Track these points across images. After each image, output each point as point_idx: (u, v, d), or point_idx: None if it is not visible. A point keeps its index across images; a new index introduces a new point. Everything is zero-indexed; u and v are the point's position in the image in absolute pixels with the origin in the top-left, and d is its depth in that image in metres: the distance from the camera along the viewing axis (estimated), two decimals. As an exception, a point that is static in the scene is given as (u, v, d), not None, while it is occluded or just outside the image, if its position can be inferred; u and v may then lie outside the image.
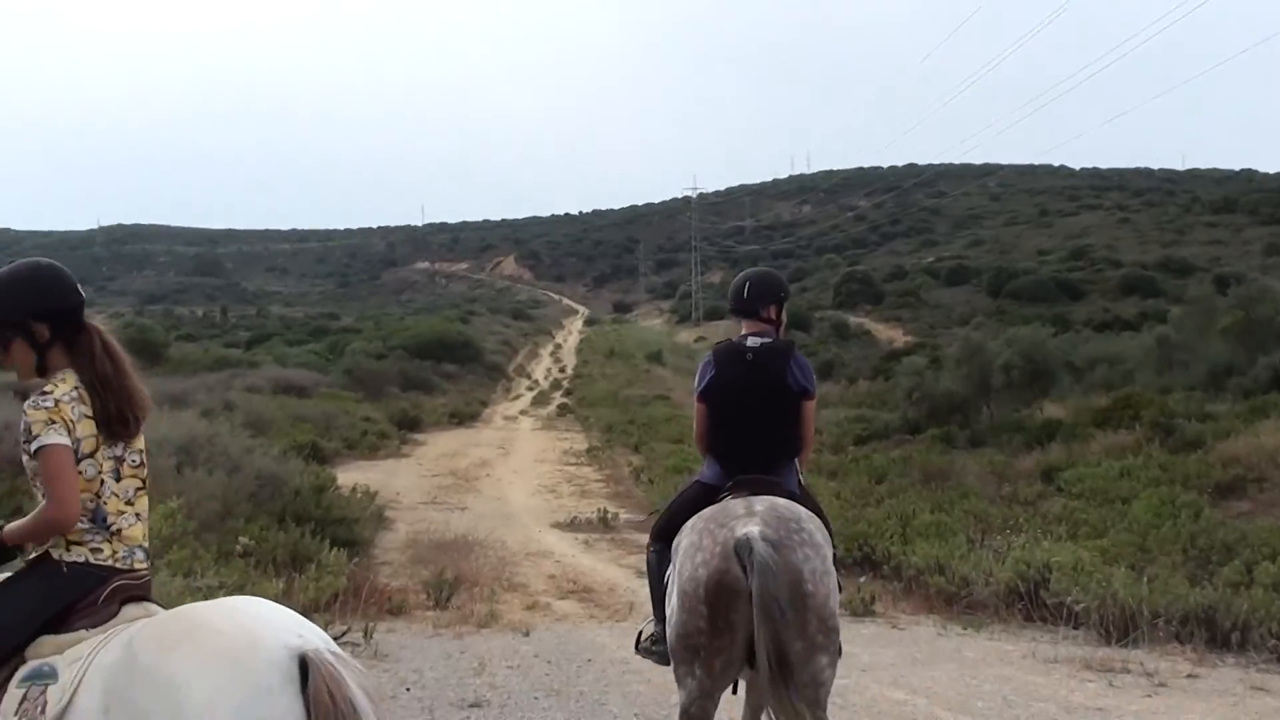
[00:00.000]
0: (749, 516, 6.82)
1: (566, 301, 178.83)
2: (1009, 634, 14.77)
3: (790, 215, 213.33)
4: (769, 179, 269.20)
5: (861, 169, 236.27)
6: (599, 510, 27.40)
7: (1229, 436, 29.89)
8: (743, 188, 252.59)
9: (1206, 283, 66.75)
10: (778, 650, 6.34)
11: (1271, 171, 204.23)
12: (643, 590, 18.30)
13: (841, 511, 23.25)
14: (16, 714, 4.62)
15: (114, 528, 5.11)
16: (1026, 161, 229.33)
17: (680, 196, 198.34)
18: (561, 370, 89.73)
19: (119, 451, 5.19)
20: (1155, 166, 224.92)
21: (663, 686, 11.53)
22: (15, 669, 4.80)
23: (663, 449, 38.89)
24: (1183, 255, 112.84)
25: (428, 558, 19.83)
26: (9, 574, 5.13)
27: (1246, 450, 28.15)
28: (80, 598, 4.99)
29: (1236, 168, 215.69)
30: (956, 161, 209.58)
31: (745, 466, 7.60)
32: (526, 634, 14.38)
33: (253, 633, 4.56)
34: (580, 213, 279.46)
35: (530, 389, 77.28)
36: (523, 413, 63.55)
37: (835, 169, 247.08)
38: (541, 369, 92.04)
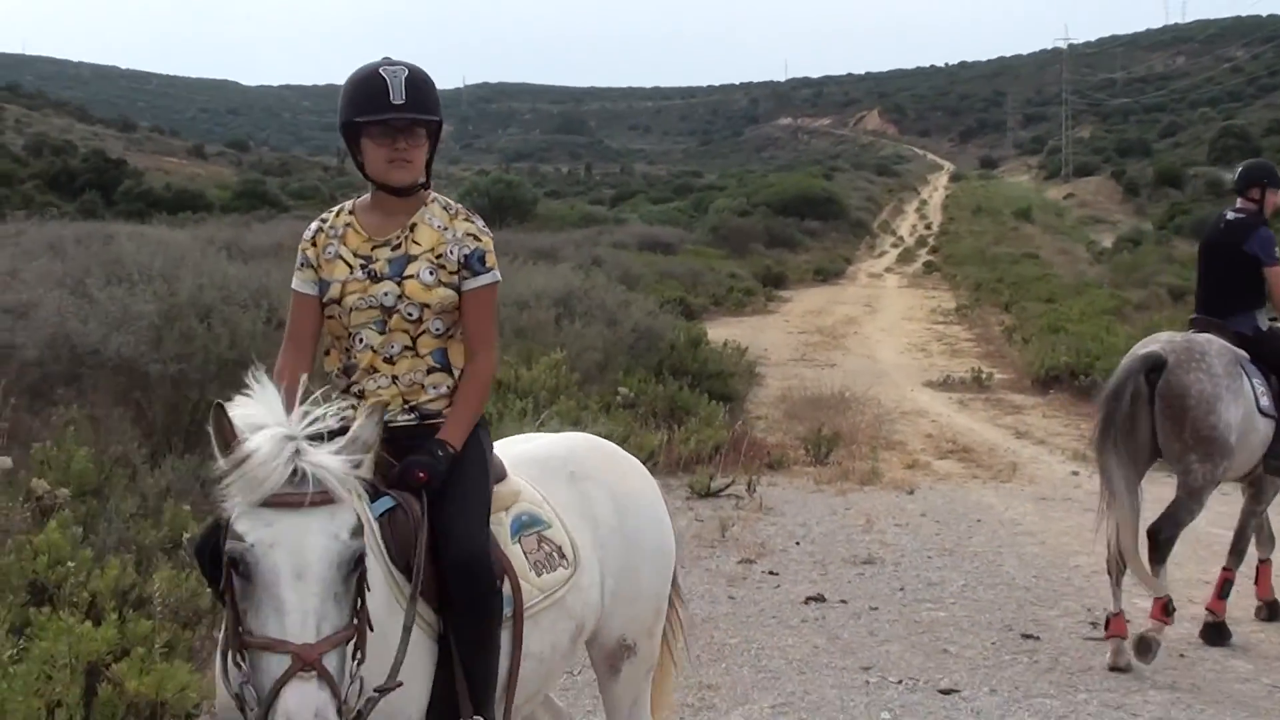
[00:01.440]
0: (1155, 342, 8.99)
1: (931, 157, 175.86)
2: None
3: (1164, 67, 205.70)
4: (1142, 29, 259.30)
5: (1239, 18, 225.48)
6: (972, 369, 27.00)
7: None
8: (1114, 39, 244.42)
9: None
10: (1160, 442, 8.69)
11: None
12: (1024, 450, 18.14)
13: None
14: (531, 568, 4.65)
15: None
16: None
17: (1050, 48, 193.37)
18: (927, 227, 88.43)
19: None
20: None
21: (1057, 549, 11.40)
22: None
23: (1035, 308, 37.99)
24: None
25: (802, 414, 19.81)
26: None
27: None
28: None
29: None
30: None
31: (1203, 310, 9.47)
32: (910, 492, 14.28)
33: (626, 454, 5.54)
34: (946, 65, 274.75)
35: (895, 246, 76.36)
36: (888, 270, 62.89)
37: (1212, 18, 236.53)
38: (906, 226, 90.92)
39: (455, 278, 4.62)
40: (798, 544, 11.42)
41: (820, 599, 9.55)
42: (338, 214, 4.77)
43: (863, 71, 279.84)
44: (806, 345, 31.54)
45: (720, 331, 28.23)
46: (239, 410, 3.72)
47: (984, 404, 23.52)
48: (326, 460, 3.58)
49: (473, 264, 4.64)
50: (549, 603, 4.62)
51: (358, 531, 3.61)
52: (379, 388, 4.59)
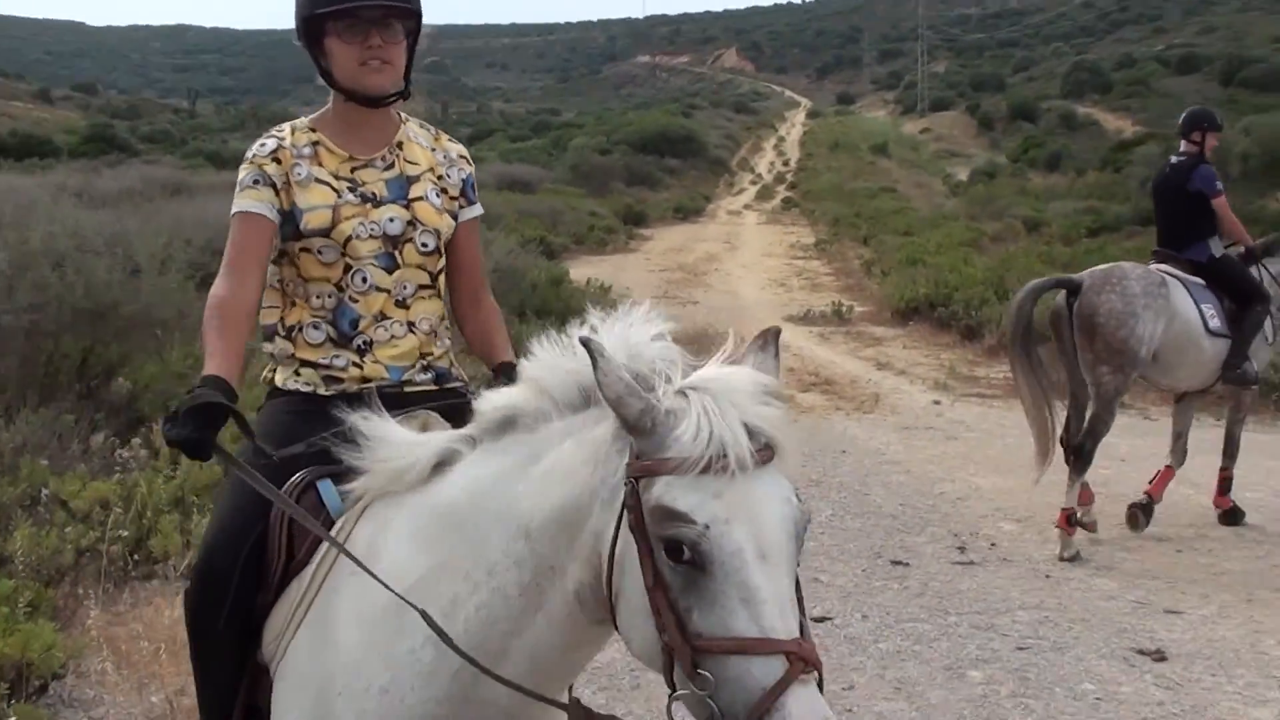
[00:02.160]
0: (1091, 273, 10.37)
1: (789, 94, 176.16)
2: (1263, 426, 14.52)
3: (1018, 3, 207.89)
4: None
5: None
6: (832, 303, 27.29)
7: None
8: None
9: None
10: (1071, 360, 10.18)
11: None
12: (885, 381, 18.42)
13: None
14: None
15: None
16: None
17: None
18: (785, 164, 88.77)
19: None
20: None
21: (922, 477, 11.62)
22: None
23: (893, 241, 38.42)
24: None
25: (667, 354, 19.91)
26: None
27: None
28: None
29: None
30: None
31: (1162, 244, 10.91)
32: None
33: None
34: (803, 2, 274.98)
35: (754, 183, 76.55)
36: (747, 207, 63.07)
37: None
38: (764, 163, 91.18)
39: (455, 204, 4.05)
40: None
41: None
42: (294, 132, 3.97)
43: (720, 9, 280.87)
44: (669, 283, 31.63)
45: (582, 270, 28.28)
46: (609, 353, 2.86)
47: (845, 337, 23.82)
48: (764, 409, 2.91)
49: (468, 191, 4.12)
50: None
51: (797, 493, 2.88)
52: (393, 338, 3.90)
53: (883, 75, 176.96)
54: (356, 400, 3.61)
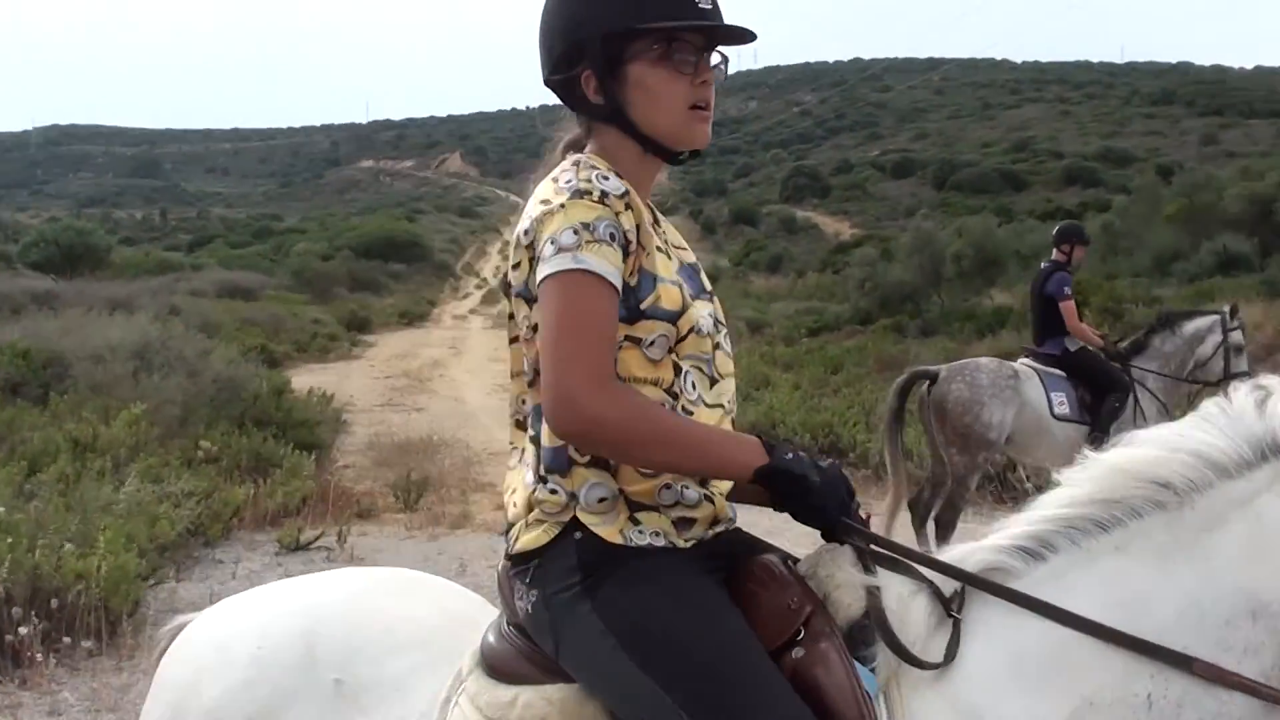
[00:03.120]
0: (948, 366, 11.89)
1: (513, 198, 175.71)
2: (980, 516, 14.76)
3: (738, 111, 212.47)
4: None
5: (808, 64, 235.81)
6: (560, 408, 27.25)
7: (1179, 321, 30.06)
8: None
9: (1150, 172, 67.09)
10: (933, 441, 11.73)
11: (1207, 64, 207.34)
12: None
13: (802, 401, 23.30)
14: None
15: None
16: (969, 55, 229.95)
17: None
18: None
19: None
20: (1095, 59, 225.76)
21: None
22: None
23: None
24: (1122, 146, 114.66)
25: (391, 460, 19.54)
26: None
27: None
28: None
29: (1174, 60, 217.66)
30: (901, 56, 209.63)
31: (1033, 340, 12.45)
32: (502, 533, 14.19)
33: None
34: (528, 108, 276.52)
35: (479, 287, 76.81)
36: (472, 311, 63.07)
37: (782, 64, 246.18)
38: (490, 267, 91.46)
39: None
40: (391, 592, 11.18)
41: None
42: (609, 174, 2.90)
43: (444, 114, 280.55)
44: (393, 389, 31.26)
45: (305, 379, 27.73)
46: None
47: (573, 442, 23.72)
48: None
49: None
50: None
51: None
52: None
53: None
54: (714, 553, 2.88)
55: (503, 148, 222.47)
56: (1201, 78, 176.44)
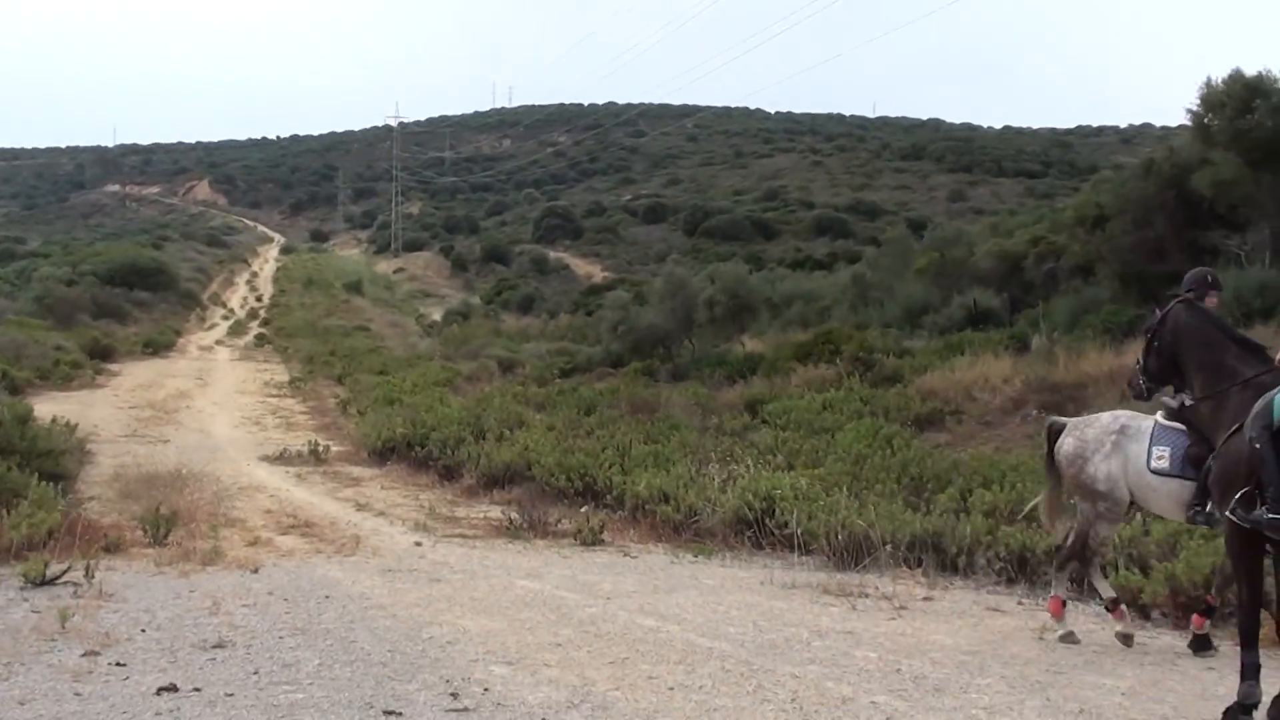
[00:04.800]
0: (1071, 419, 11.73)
1: (262, 229, 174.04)
2: (740, 561, 14.89)
3: (491, 149, 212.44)
4: (471, 111, 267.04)
5: (563, 105, 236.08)
6: (309, 443, 26.88)
7: (926, 371, 30.73)
8: (444, 119, 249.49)
9: (900, 225, 68.64)
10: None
11: (957, 122, 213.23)
12: (365, 523, 18.09)
13: (557, 442, 23.30)
14: None
15: None
16: (723, 104, 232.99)
17: (382, 125, 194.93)
18: (258, 299, 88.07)
19: None
20: (847, 113, 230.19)
21: (409, 620, 11.28)
22: None
23: (368, 380, 38.38)
24: (872, 199, 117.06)
25: (137, 493, 19.04)
26: None
27: (943, 384, 29.03)
28: None
29: (924, 117, 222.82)
30: (656, 102, 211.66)
31: None
32: (255, 571, 13.80)
33: None
34: (278, 137, 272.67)
35: (226, 318, 75.75)
36: (219, 342, 62.12)
37: (537, 104, 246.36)
38: (237, 298, 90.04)
39: None
40: (144, 631, 10.68)
41: (173, 689, 8.80)
42: None
43: (193, 140, 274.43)
44: (138, 420, 30.60)
45: (47, 407, 26.94)
46: None
47: (322, 477, 23.46)
48: None
49: None
50: None
51: None
52: None
53: (357, 214, 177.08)
54: None
55: (252, 176, 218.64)
56: (951, 135, 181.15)
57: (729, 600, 12.08)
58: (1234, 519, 8.57)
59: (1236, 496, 8.54)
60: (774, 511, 15.76)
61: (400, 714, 8.31)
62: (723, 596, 12.29)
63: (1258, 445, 8.32)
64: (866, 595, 12.35)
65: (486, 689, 8.68)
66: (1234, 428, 8.98)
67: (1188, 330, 9.74)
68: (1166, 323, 9.99)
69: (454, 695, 8.68)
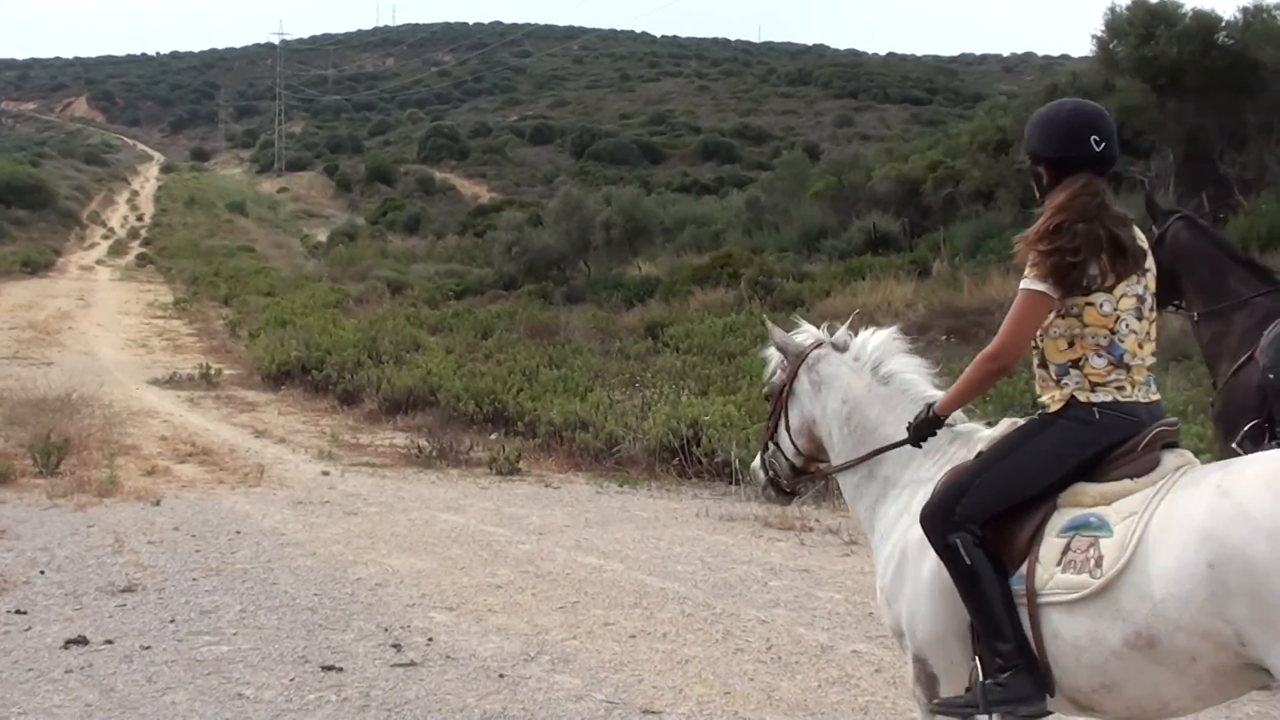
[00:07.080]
0: None
1: (141, 147, 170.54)
2: (668, 492, 14.25)
3: (375, 67, 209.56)
4: (354, 29, 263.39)
5: (448, 24, 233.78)
6: (199, 366, 25.97)
7: (828, 295, 30.25)
8: (328, 37, 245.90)
9: (797, 149, 67.95)
10: None
11: (842, 48, 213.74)
12: (267, 450, 17.29)
13: (458, 366, 22.65)
14: (1059, 564, 4.38)
15: (1132, 366, 4.66)
16: (609, 27, 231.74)
17: (264, 42, 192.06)
18: (139, 219, 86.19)
19: (1138, 290, 4.68)
20: (733, 38, 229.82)
21: (331, 560, 10.56)
22: (1048, 516, 4.53)
23: (256, 302, 37.41)
24: (759, 124, 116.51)
25: (23, 418, 18.04)
26: (1021, 422, 4.83)
27: (846, 309, 28.49)
28: (1116, 444, 4.58)
29: (810, 42, 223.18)
30: (542, 22, 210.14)
31: None
32: (157, 503, 13.02)
33: None
34: (158, 54, 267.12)
35: (106, 238, 73.99)
36: (99, 262, 60.63)
37: (421, 23, 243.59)
38: (117, 217, 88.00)
39: None
40: (43, 573, 9.87)
41: (83, 640, 8.00)
42: None
43: (71, 56, 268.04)
44: (19, 342, 29.53)
45: (-81, 327, 25.85)
46: None
47: (215, 402, 22.61)
48: None
49: None
50: (1072, 598, 4.31)
51: None
52: None
53: (239, 133, 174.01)
54: None
55: (131, 93, 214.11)
56: (837, 60, 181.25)
57: (668, 535, 11.49)
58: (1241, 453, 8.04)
59: (1244, 429, 7.97)
60: (699, 439, 15.16)
61: (340, 669, 7.56)
62: (661, 530, 11.69)
63: (1271, 375, 7.74)
64: (810, 529, 11.79)
65: (430, 639, 8.01)
66: (1242, 359, 8.21)
67: (1188, 249, 8.83)
68: (1165, 241, 8.91)
69: (396, 647, 7.95)
